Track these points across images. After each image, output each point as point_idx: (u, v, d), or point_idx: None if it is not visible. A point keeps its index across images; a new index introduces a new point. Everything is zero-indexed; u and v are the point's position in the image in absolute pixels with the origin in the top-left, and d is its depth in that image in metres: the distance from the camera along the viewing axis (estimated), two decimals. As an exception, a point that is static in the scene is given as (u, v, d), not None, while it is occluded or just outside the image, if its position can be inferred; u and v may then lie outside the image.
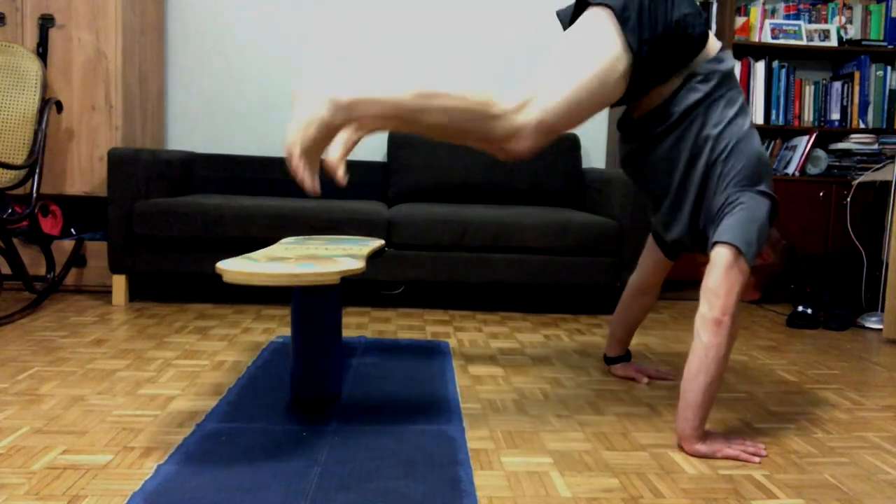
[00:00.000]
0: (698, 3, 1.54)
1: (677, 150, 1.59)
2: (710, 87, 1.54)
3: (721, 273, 1.46)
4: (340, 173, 1.44)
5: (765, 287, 1.68)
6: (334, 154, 1.46)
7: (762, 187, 1.54)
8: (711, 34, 1.61)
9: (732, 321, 1.44)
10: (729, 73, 1.57)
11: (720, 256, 1.47)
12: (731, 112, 1.56)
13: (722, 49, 1.59)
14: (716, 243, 1.49)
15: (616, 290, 2.98)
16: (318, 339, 1.65)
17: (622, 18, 1.45)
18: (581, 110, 1.45)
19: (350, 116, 1.37)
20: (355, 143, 1.48)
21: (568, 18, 1.65)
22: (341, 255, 1.57)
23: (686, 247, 1.76)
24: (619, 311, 2.03)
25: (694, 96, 1.54)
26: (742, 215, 1.49)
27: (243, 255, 1.52)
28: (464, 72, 3.58)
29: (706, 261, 1.55)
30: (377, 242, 1.96)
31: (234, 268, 1.30)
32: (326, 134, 1.37)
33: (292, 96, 1.39)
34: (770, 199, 1.54)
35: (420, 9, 3.54)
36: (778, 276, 1.67)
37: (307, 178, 1.38)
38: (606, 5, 1.47)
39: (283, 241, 1.99)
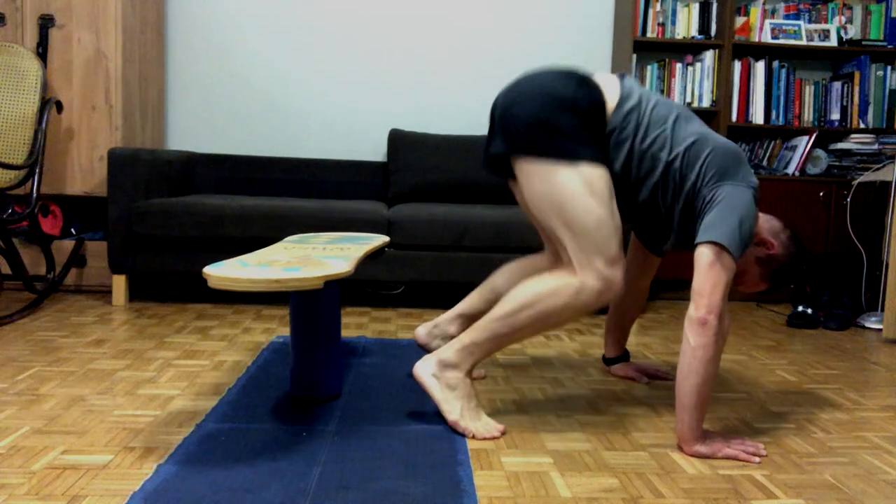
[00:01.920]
0: (574, 71, 1.57)
1: (647, 191, 1.60)
2: (632, 129, 1.56)
3: (703, 272, 1.45)
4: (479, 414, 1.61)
5: (771, 278, 1.66)
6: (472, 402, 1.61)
7: (738, 178, 1.54)
8: (606, 80, 1.61)
9: (719, 319, 1.43)
10: (635, 104, 1.58)
11: (701, 256, 1.47)
12: (668, 127, 1.57)
13: (622, 86, 1.60)
14: (697, 244, 1.49)
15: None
16: (317, 340, 1.65)
17: (551, 155, 1.50)
18: (608, 222, 1.51)
19: (468, 364, 1.56)
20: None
21: (487, 164, 1.69)
22: (334, 257, 1.57)
23: (684, 249, 1.76)
24: (612, 311, 2.03)
25: (624, 149, 1.57)
26: (720, 210, 1.49)
27: (237, 258, 1.52)
28: (471, 74, 3.58)
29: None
30: (380, 240, 1.95)
31: (218, 273, 1.30)
32: (462, 388, 1.57)
33: (418, 381, 1.58)
34: (751, 189, 1.54)
35: (419, 12, 3.54)
36: (785, 265, 1.64)
37: (486, 431, 1.53)
38: (533, 155, 1.52)
39: (287, 239, 1.99)
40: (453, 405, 1.54)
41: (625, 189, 1.62)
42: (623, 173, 1.59)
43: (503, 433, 1.53)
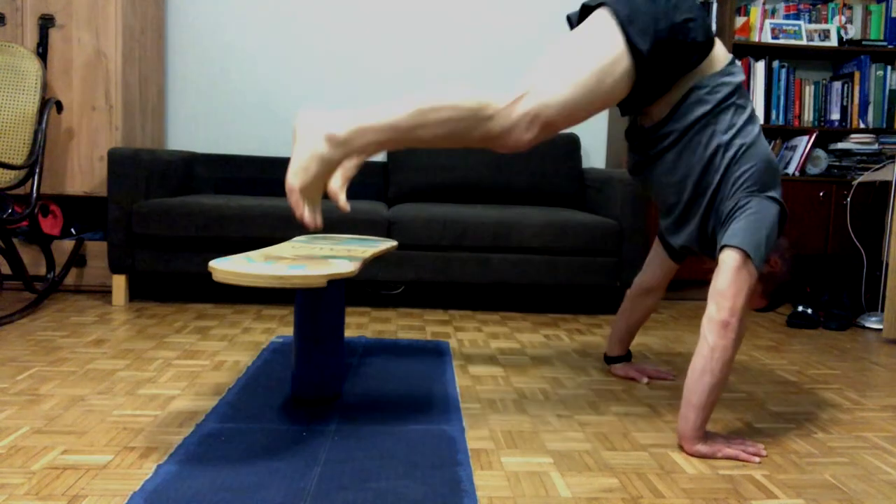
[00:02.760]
0: (700, 8, 1.54)
1: (686, 161, 1.59)
2: (718, 98, 1.55)
3: (730, 275, 1.45)
4: (342, 201, 1.49)
5: (772, 295, 1.67)
6: (335, 183, 1.52)
7: (772, 193, 1.55)
8: (720, 44, 1.61)
9: (739, 323, 1.44)
10: (738, 86, 1.58)
11: (729, 259, 1.47)
12: (741, 119, 1.56)
13: (732, 62, 1.60)
14: (724, 246, 1.49)
15: (616, 290, 2.98)
16: (320, 340, 1.65)
17: (626, 20, 1.45)
18: (578, 108, 1.45)
19: (349, 149, 1.40)
20: (355, 169, 1.55)
21: (575, 21, 1.66)
22: (340, 257, 1.57)
23: (693, 252, 1.76)
24: (623, 311, 2.03)
25: (701, 109, 1.55)
26: (751, 220, 1.49)
27: (243, 254, 1.52)
28: (463, 71, 3.58)
29: (713, 266, 1.55)
30: (388, 244, 1.95)
31: (224, 267, 1.30)
32: (327, 169, 1.40)
33: (293, 133, 1.39)
34: (779, 205, 1.54)
35: (419, 12, 3.54)
36: (785, 285, 1.66)
37: (307, 214, 1.40)
38: (610, 7, 1.48)
39: (295, 239, 1.99)
40: (304, 173, 1.38)
41: (673, 148, 1.60)
42: (683, 131, 1.57)
43: (318, 227, 1.42)
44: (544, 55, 1.49)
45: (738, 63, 1.62)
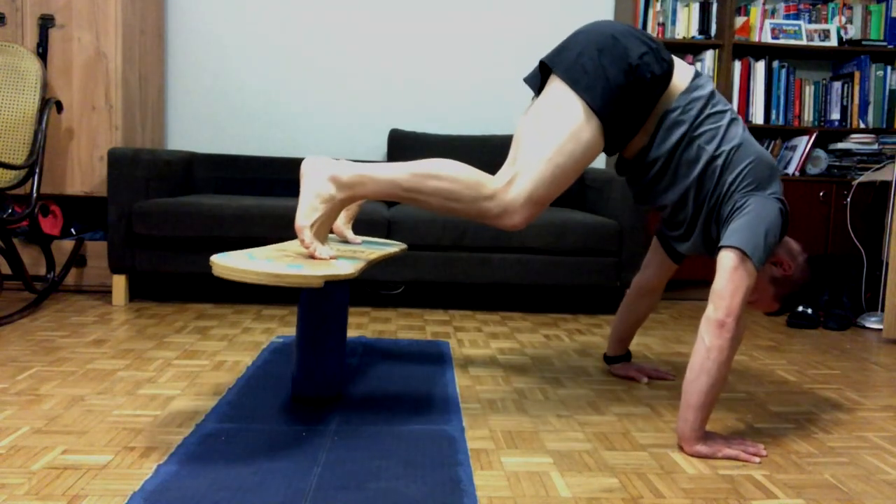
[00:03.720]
0: (650, 38, 1.56)
1: (681, 181, 1.61)
2: (693, 114, 1.56)
3: (726, 275, 1.46)
4: (350, 237, 1.67)
5: (784, 299, 1.66)
6: (339, 222, 1.70)
7: (770, 190, 1.55)
8: (680, 63, 1.62)
9: (737, 323, 1.44)
10: (709, 97, 1.59)
11: (725, 259, 1.47)
12: (722, 126, 1.57)
13: (696, 75, 1.61)
14: (721, 247, 1.49)
15: (616, 290, 2.98)
16: (323, 340, 1.65)
17: (575, 85, 1.50)
18: (565, 175, 1.51)
19: (352, 192, 1.49)
20: (358, 209, 1.78)
21: (535, 83, 1.68)
22: (342, 258, 1.57)
23: (701, 253, 1.76)
24: (622, 310, 2.03)
25: (679, 130, 1.56)
26: (748, 218, 1.49)
27: (246, 250, 1.52)
28: (471, 74, 3.58)
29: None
30: (397, 247, 1.95)
31: (223, 262, 1.30)
32: (332, 209, 1.50)
33: (300, 177, 1.53)
34: (779, 202, 1.54)
35: (419, 12, 3.54)
36: (799, 288, 1.65)
37: (321, 251, 1.47)
38: (561, 75, 1.53)
39: None
40: (311, 213, 1.47)
41: (665, 173, 1.62)
42: (668, 156, 1.59)
43: (333, 258, 1.49)
44: (521, 132, 1.54)
45: (703, 74, 1.63)
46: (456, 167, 1.49)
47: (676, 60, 1.62)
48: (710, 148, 1.56)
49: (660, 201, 1.68)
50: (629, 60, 1.49)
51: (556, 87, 1.54)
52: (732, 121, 1.59)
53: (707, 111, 1.57)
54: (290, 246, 1.74)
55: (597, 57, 1.50)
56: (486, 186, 1.49)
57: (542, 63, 1.62)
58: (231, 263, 1.29)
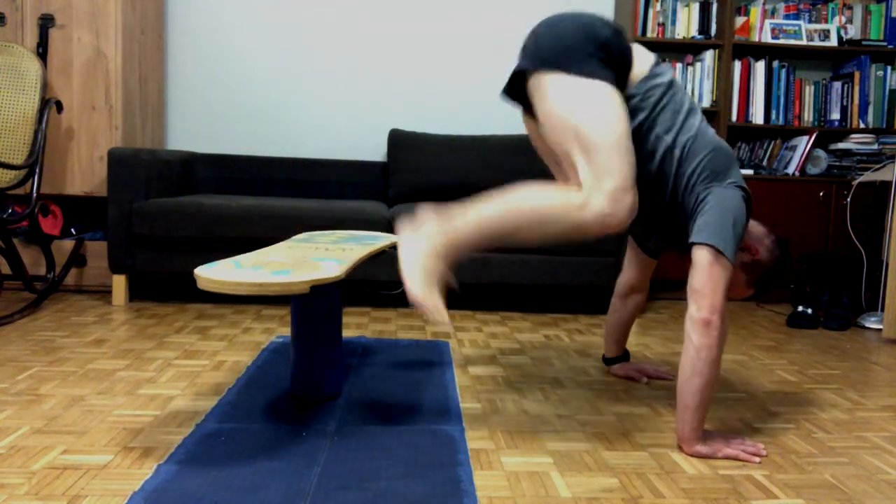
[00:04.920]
0: (598, 17, 1.56)
1: (640, 170, 1.60)
2: (652, 101, 1.56)
3: (704, 273, 1.46)
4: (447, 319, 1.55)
5: (757, 284, 1.66)
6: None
7: (730, 179, 1.55)
8: (640, 50, 1.61)
9: (721, 320, 1.44)
10: (669, 85, 1.58)
11: (700, 257, 1.47)
12: (680, 116, 1.57)
13: (657, 62, 1.60)
14: (693, 244, 1.49)
15: (616, 290, 2.98)
16: (318, 339, 1.65)
17: (573, 68, 1.46)
18: (627, 144, 1.44)
19: (452, 257, 1.50)
20: (447, 277, 1.70)
21: (510, 93, 1.65)
22: (331, 259, 1.56)
23: (669, 247, 1.77)
24: (612, 312, 2.03)
25: (638, 117, 1.56)
26: (714, 212, 1.49)
27: (232, 258, 1.51)
28: (471, 74, 3.58)
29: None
30: (387, 240, 1.95)
31: (206, 274, 1.30)
32: (435, 277, 1.49)
33: (398, 244, 1.51)
34: (741, 191, 1.54)
35: (419, 12, 3.54)
36: (770, 271, 1.65)
37: (440, 311, 1.45)
38: (561, 70, 1.48)
39: (294, 237, 1.99)
40: (425, 281, 1.47)
41: None
42: None
43: (451, 327, 1.48)
44: (561, 139, 1.48)
45: (664, 62, 1.62)
46: (534, 189, 1.44)
47: (636, 47, 1.61)
48: (668, 138, 1.56)
49: None
50: (600, 39, 1.48)
51: (553, 81, 1.48)
52: (690, 111, 1.59)
53: (665, 100, 1.57)
54: (279, 251, 1.73)
55: (572, 40, 1.47)
56: (573, 197, 1.42)
57: (516, 72, 1.59)
58: (212, 275, 1.29)
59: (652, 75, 1.57)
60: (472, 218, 1.47)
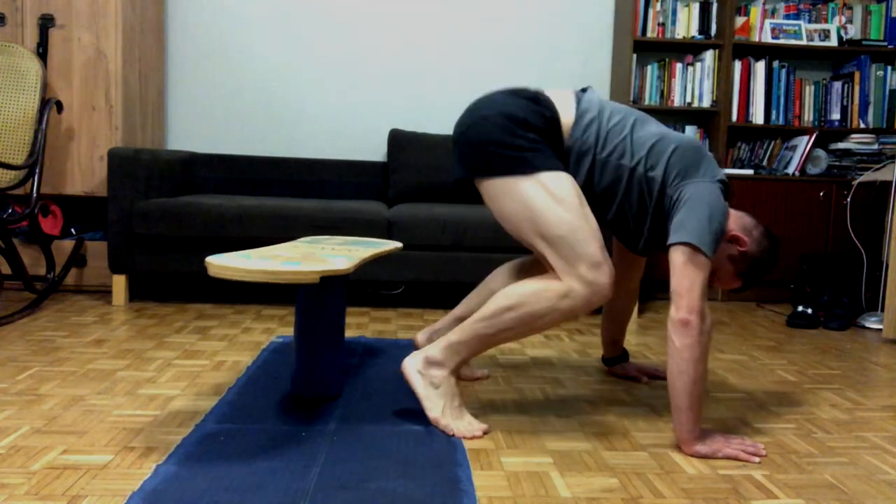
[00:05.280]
0: (526, 92, 1.60)
1: (611, 200, 1.61)
2: (591, 140, 1.57)
3: (679, 272, 1.46)
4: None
5: (744, 275, 1.65)
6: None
7: (702, 173, 1.55)
8: (559, 97, 1.62)
9: (701, 318, 1.43)
10: (597, 115, 1.59)
11: (675, 256, 1.48)
12: (625, 135, 1.58)
13: (578, 100, 1.60)
14: (670, 245, 1.50)
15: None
16: (321, 339, 1.65)
17: (508, 170, 1.51)
18: (587, 223, 1.50)
19: (454, 363, 1.56)
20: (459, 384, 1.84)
21: (460, 185, 1.68)
22: (338, 256, 1.57)
23: (657, 248, 1.77)
24: (606, 313, 2.04)
25: (586, 161, 1.58)
26: (687, 209, 1.50)
27: (242, 252, 1.52)
28: (471, 74, 3.58)
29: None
30: (392, 245, 1.95)
31: (218, 262, 1.31)
32: (448, 385, 1.57)
33: (405, 377, 1.60)
34: (716, 182, 1.54)
35: (419, 12, 3.54)
36: (758, 262, 1.64)
37: (466, 430, 1.52)
38: (488, 176, 1.54)
39: (300, 239, 2.00)
40: (435, 402, 1.54)
41: (592, 200, 1.63)
42: (587, 185, 1.60)
43: (486, 432, 1.53)
44: (526, 237, 1.54)
45: (586, 92, 1.63)
46: (515, 290, 1.51)
47: (554, 95, 1.62)
48: (626, 161, 1.57)
49: (603, 220, 1.68)
50: (517, 120, 1.52)
51: (492, 188, 1.55)
52: (635, 125, 1.59)
53: (605, 131, 1.58)
54: (285, 250, 1.74)
55: (497, 138, 1.52)
56: (555, 290, 1.48)
57: (455, 181, 1.65)
58: (227, 263, 1.30)
59: (580, 116, 1.58)
60: (468, 336, 1.53)
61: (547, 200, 1.49)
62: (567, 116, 1.59)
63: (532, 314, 1.49)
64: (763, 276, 1.67)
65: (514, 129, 1.52)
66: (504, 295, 1.51)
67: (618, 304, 2.00)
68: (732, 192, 3.34)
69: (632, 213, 1.62)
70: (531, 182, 1.50)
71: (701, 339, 1.43)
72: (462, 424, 1.53)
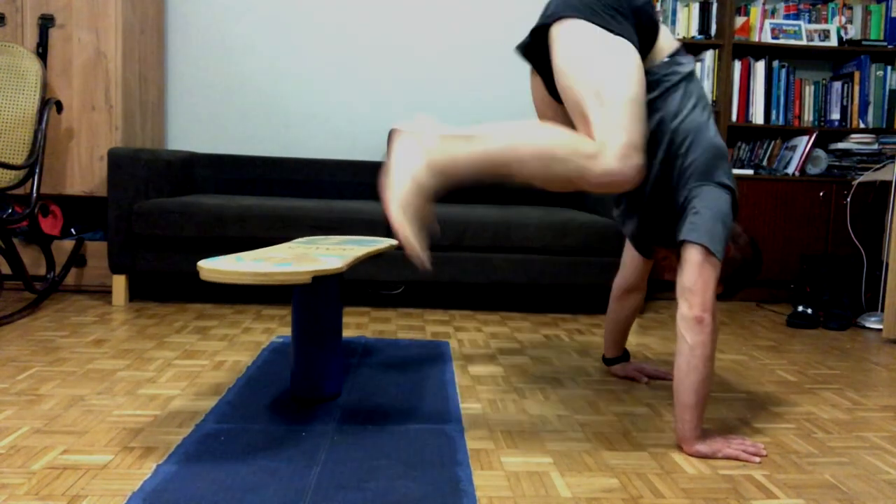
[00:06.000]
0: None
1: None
2: (667, 85, 1.54)
3: (695, 270, 1.46)
4: (426, 259, 1.43)
5: (727, 281, 1.66)
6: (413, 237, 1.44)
7: (721, 179, 1.54)
8: (667, 31, 1.60)
9: (713, 317, 1.44)
10: (687, 75, 1.57)
11: (691, 255, 1.47)
12: (689, 104, 1.55)
13: (678, 51, 1.58)
14: (684, 242, 1.49)
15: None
16: (318, 339, 1.65)
17: (596, 18, 1.41)
18: (642, 103, 1.39)
19: (446, 179, 1.37)
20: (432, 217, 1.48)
21: (523, 50, 1.61)
22: (331, 255, 1.57)
23: (648, 238, 1.77)
24: (610, 313, 2.03)
25: (649, 95, 1.53)
26: (705, 211, 1.49)
27: (234, 254, 1.52)
28: (470, 74, 3.58)
29: (665, 257, 1.55)
30: (387, 243, 1.95)
31: (209, 265, 1.30)
32: (423, 196, 1.37)
33: (391, 135, 1.37)
34: (730, 192, 1.54)
35: (419, 12, 3.54)
36: (741, 269, 1.66)
37: (413, 240, 1.35)
38: (582, 18, 1.42)
39: (296, 240, 1.99)
40: (407, 197, 1.35)
41: None
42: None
43: (430, 264, 1.41)
44: (574, 89, 1.41)
45: (687, 54, 1.61)
46: (545, 129, 1.36)
47: (663, 28, 1.60)
48: (673, 124, 1.53)
49: None
50: (634, 4, 1.45)
51: (582, 29, 1.41)
52: (699, 103, 1.57)
53: (680, 87, 1.55)
54: (279, 251, 1.74)
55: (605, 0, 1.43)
56: (587, 144, 1.33)
57: (537, 28, 1.52)
58: (218, 266, 1.29)
59: (674, 61, 1.55)
60: (479, 143, 1.35)
61: (626, 64, 1.39)
62: (663, 47, 1.55)
63: (552, 154, 1.32)
64: (745, 284, 1.70)
65: (629, 8, 1.45)
66: (533, 125, 1.37)
67: (624, 304, 2.00)
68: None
69: (649, 181, 1.59)
70: (620, 43, 1.40)
71: (713, 338, 1.44)
72: (409, 228, 1.35)
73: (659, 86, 1.54)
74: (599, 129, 1.34)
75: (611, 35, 1.40)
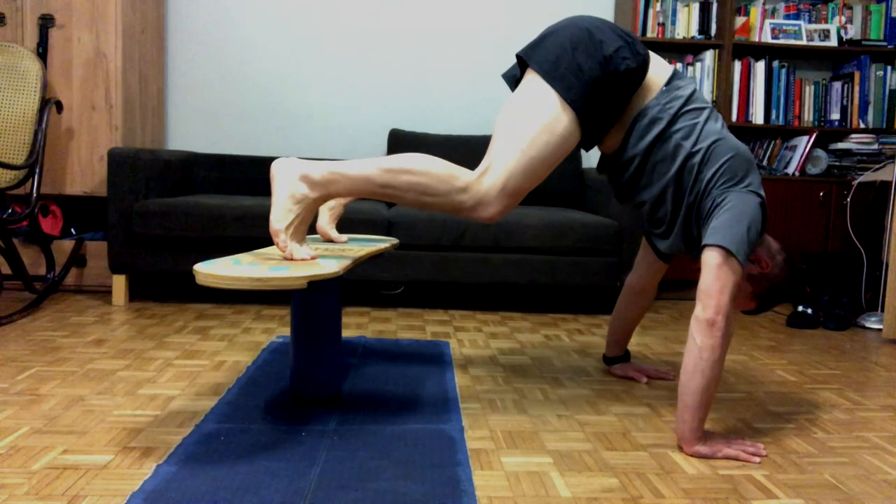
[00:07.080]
0: (626, 32, 1.57)
1: (659, 178, 1.61)
2: (672, 112, 1.57)
3: (712, 273, 1.45)
4: (335, 236, 1.74)
5: (760, 297, 1.65)
6: (322, 222, 1.77)
7: (748, 185, 1.54)
8: (657, 60, 1.63)
9: (726, 321, 1.43)
10: (689, 97, 1.59)
11: (710, 257, 1.47)
12: (700, 122, 1.57)
13: (675, 74, 1.61)
14: (705, 245, 1.49)
15: (616, 289, 2.98)
16: (318, 339, 1.65)
17: (551, 78, 1.51)
18: (539, 167, 1.51)
19: (325, 191, 1.49)
20: (342, 209, 1.81)
21: (513, 76, 1.70)
22: (330, 257, 1.57)
23: (681, 251, 1.76)
24: (617, 311, 2.03)
25: (657, 127, 1.57)
26: (729, 215, 1.49)
27: (232, 256, 1.52)
28: (470, 74, 3.58)
29: (699, 269, 1.56)
30: (387, 243, 1.95)
31: (205, 270, 1.30)
32: (307, 209, 1.49)
33: (271, 180, 1.51)
34: (758, 197, 1.54)
35: (419, 12, 3.54)
36: (776, 287, 1.64)
37: (298, 252, 1.48)
38: (537, 68, 1.53)
39: None
40: (285, 216, 1.47)
41: (643, 170, 1.62)
42: (645, 153, 1.59)
43: (313, 258, 1.50)
44: (497, 126, 1.55)
45: (684, 75, 1.63)
46: (428, 161, 1.49)
47: (654, 56, 1.63)
48: (688, 144, 1.56)
49: (639, 198, 1.68)
50: (604, 53, 1.50)
51: (532, 80, 1.55)
52: (710, 117, 1.59)
53: (685, 108, 1.58)
54: (276, 250, 1.73)
55: (570, 51, 1.51)
56: (459, 179, 1.49)
57: (518, 56, 1.63)
58: (214, 271, 1.29)
59: (673, 87, 1.58)
60: (356, 173, 1.47)
61: (549, 125, 1.50)
62: (657, 78, 1.59)
63: (426, 189, 1.48)
64: (776, 302, 1.68)
65: (590, 59, 1.50)
66: (416, 158, 1.49)
67: (635, 304, 2.00)
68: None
69: (672, 198, 1.61)
70: (557, 105, 1.50)
71: (724, 342, 1.43)
72: (296, 247, 1.49)
73: (664, 115, 1.57)
74: (485, 164, 1.51)
75: (558, 103, 1.50)
